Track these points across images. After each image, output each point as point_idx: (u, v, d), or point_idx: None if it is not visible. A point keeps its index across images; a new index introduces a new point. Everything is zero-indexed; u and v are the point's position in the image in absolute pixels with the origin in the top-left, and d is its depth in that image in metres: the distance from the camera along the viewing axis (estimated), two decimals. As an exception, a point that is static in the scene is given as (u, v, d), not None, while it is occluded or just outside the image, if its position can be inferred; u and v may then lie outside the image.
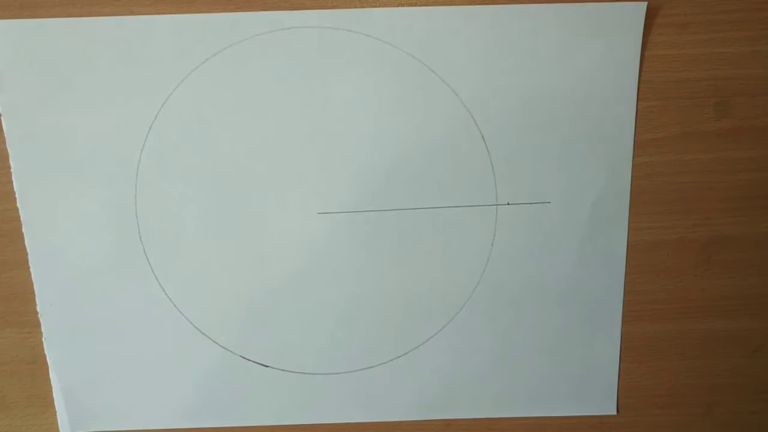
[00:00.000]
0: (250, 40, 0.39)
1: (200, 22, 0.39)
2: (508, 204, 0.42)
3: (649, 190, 0.42)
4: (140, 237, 0.42)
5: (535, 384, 0.45)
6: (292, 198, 0.42)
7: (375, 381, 0.44)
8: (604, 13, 0.39)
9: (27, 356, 0.44)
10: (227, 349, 0.44)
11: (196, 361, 0.44)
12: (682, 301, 0.44)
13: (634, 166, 0.42)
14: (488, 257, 0.43)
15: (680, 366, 0.45)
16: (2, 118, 0.40)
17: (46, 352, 0.43)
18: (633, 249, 0.43)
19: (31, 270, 0.42)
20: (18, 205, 0.41)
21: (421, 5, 0.40)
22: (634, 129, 0.41)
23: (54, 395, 0.44)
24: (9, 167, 0.41)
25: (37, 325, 0.43)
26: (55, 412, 0.44)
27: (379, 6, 0.40)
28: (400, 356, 0.44)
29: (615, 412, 0.46)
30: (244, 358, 0.44)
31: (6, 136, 0.40)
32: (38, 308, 0.43)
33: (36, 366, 0.44)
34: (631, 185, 0.42)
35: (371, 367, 0.44)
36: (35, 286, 0.42)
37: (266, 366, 0.44)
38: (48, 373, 0.44)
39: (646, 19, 0.39)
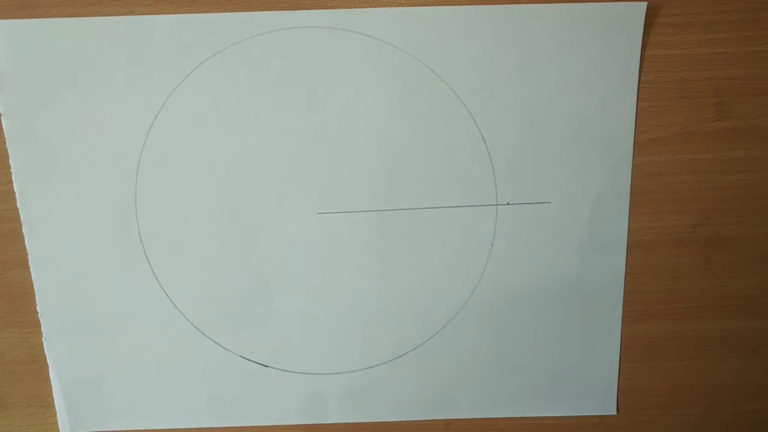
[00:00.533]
0: (250, 40, 0.39)
1: (200, 22, 0.39)
2: (508, 204, 0.42)
3: (649, 190, 0.42)
4: (140, 237, 0.42)
5: (535, 384, 0.45)
6: (292, 198, 0.42)
7: (375, 381, 0.44)
8: (604, 13, 0.39)
9: (27, 356, 0.44)
10: (227, 349, 0.44)
11: (196, 361, 0.44)
12: (682, 301, 0.44)
13: (634, 166, 0.42)
14: (488, 257, 0.43)
15: (680, 366, 0.45)
16: (2, 118, 0.40)
17: (46, 352, 0.43)
18: (633, 249, 0.43)
19: (31, 270, 0.42)
20: (18, 205, 0.41)
21: (421, 5, 0.40)
22: (634, 129, 0.41)
23: (54, 395, 0.44)
24: (9, 167, 0.41)
25: (37, 325, 0.43)
26: (55, 412, 0.44)
27: (379, 6, 0.40)
28: (400, 356, 0.44)
29: (615, 412, 0.46)
30: (244, 358, 0.44)
31: (6, 136, 0.40)
32: (38, 308, 0.43)
33: (36, 366, 0.44)
34: (631, 185, 0.42)
35: (371, 367, 0.44)
36: (35, 286, 0.42)
37: (266, 366, 0.44)
38: (48, 373, 0.44)
39: (646, 19, 0.39)
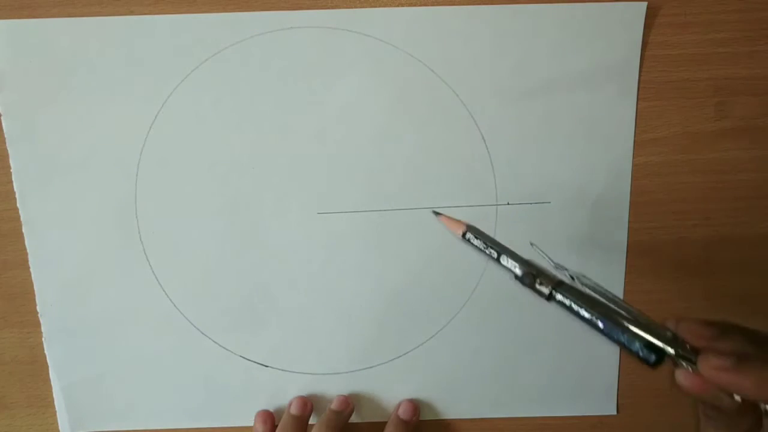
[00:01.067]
0: (250, 40, 0.39)
1: (200, 22, 0.39)
2: (508, 204, 0.42)
3: (649, 190, 0.42)
4: (140, 237, 0.42)
5: (535, 384, 0.45)
6: (292, 198, 0.42)
7: (375, 381, 0.44)
8: (604, 13, 0.39)
9: (27, 356, 0.44)
10: (227, 349, 0.44)
11: (196, 361, 0.44)
12: (682, 301, 0.44)
13: (634, 166, 0.42)
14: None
15: (680, 366, 0.45)
16: (2, 118, 0.40)
17: (46, 352, 0.43)
18: (633, 249, 0.43)
19: (31, 270, 0.42)
20: (18, 205, 0.41)
21: (421, 5, 0.40)
22: (634, 129, 0.41)
23: (54, 395, 0.44)
24: (9, 167, 0.41)
25: (37, 325, 0.43)
26: (55, 412, 0.44)
27: (379, 6, 0.40)
28: (400, 356, 0.44)
29: (615, 412, 0.46)
30: (244, 358, 0.44)
31: (6, 136, 0.40)
32: (38, 308, 0.43)
33: (36, 366, 0.44)
34: (631, 185, 0.42)
35: (371, 367, 0.44)
36: (35, 286, 0.42)
37: (266, 366, 0.44)
38: (48, 373, 0.44)
39: (646, 19, 0.39)
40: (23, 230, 0.41)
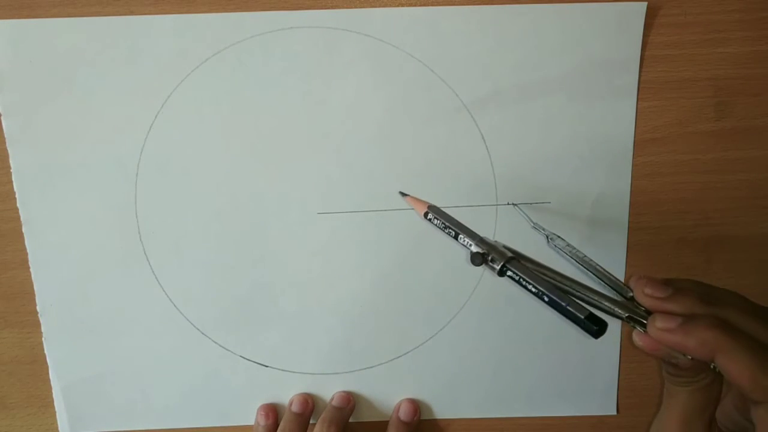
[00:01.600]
0: (250, 40, 0.39)
1: (200, 22, 0.39)
2: (508, 204, 0.42)
3: (649, 190, 0.42)
4: (140, 237, 0.42)
5: (535, 384, 0.45)
6: (292, 198, 0.42)
7: (375, 381, 0.44)
8: (604, 13, 0.39)
9: (27, 356, 0.44)
10: (227, 349, 0.44)
11: (196, 361, 0.44)
12: (682, 301, 0.44)
13: (634, 166, 0.42)
14: (488, 257, 0.43)
15: (680, 366, 0.45)
16: (2, 118, 0.40)
17: (46, 352, 0.43)
18: (633, 249, 0.43)
19: (31, 270, 0.42)
20: (18, 205, 0.41)
21: (421, 5, 0.40)
22: (634, 129, 0.41)
23: (54, 395, 0.44)
24: (9, 167, 0.41)
25: (37, 325, 0.43)
26: (55, 412, 0.44)
27: (379, 6, 0.40)
28: (400, 356, 0.44)
29: (615, 412, 0.46)
30: (244, 358, 0.44)
31: (6, 136, 0.40)
32: (38, 308, 0.43)
33: (36, 366, 0.44)
34: (631, 185, 0.42)
35: (371, 367, 0.44)
36: (35, 286, 0.42)
37: (266, 366, 0.44)
38: (48, 373, 0.44)
39: (646, 19, 0.39)
40: (23, 230, 0.41)
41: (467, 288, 0.43)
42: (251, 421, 0.44)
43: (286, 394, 0.44)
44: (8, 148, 0.40)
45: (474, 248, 0.33)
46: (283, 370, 0.44)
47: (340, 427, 0.42)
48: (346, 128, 0.41)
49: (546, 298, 0.29)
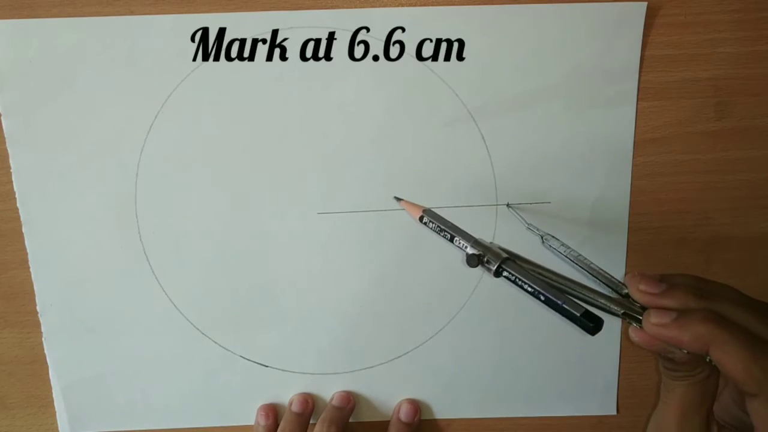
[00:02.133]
0: (250, 40, 0.39)
1: (200, 22, 0.39)
2: (508, 204, 0.42)
3: (649, 190, 0.42)
4: (140, 237, 0.42)
5: (535, 384, 0.45)
6: (292, 198, 0.42)
7: (375, 381, 0.44)
8: (604, 13, 0.39)
9: (27, 356, 0.44)
10: (227, 349, 0.44)
11: (196, 361, 0.44)
12: (682, 301, 0.44)
13: (634, 166, 0.42)
14: (488, 257, 0.43)
15: (680, 366, 0.45)
16: (2, 118, 0.40)
17: (46, 352, 0.43)
18: (633, 249, 0.43)
19: (31, 270, 0.42)
20: (18, 205, 0.41)
21: (421, 5, 0.40)
22: (634, 129, 0.41)
23: (54, 395, 0.44)
24: (9, 167, 0.41)
25: (37, 325, 0.43)
26: (55, 412, 0.44)
27: (379, 6, 0.40)
28: (399, 356, 0.44)
29: (615, 412, 0.46)
30: (244, 358, 0.44)
31: (6, 136, 0.40)
32: (38, 308, 0.43)
33: (36, 366, 0.44)
34: (631, 185, 0.42)
35: (371, 367, 0.44)
36: (35, 286, 0.42)
37: (266, 366, 0.44)
38: (48, 373, 0.44)
39: (646, 19, 0.39)
40: (23, 230, 0.41)
41: (467, 288, 0.43)
42: (251, 421, 0.44)
43: (286, 394, 0.44)
44: (8, 148, 0.40)
45: (470, 250, 0.33)
46: (283, 370, 0.44)
47: (340, 427, 0.42)
48: (346, 128, 0.41)
49: (542, 297, 0.30)
